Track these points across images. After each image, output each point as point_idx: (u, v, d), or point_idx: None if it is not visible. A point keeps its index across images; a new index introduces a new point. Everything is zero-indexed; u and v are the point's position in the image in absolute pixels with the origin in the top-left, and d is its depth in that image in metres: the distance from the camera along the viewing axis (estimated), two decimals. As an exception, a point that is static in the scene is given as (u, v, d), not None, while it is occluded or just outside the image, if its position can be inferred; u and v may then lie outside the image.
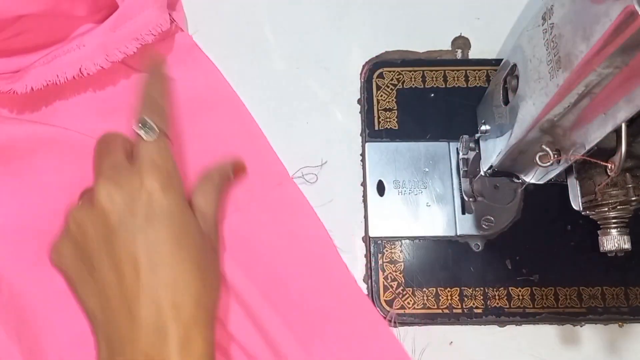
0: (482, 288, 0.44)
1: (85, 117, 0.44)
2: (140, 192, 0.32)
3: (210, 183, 0.39)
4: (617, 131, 0.29)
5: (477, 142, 0.42)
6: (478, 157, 0.41)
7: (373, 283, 0.44)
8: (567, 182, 0.36)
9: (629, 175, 0.33)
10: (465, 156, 0.43)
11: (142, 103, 0.37)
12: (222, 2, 0.51)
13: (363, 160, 0.47)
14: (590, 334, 0.44)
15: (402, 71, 0.49)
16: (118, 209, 0.32)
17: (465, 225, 0.45)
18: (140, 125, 0.35)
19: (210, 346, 0.31)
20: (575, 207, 0.36)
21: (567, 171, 0.36)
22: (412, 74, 0.49)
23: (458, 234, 0.45)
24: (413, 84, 0.48)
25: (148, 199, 0.32)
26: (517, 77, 0.34)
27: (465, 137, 0.43)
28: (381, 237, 0.45)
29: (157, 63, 0.42)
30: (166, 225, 0.32)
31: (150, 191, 0.32)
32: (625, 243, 0.35)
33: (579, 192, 0.35)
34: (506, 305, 0.43)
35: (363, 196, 0.46)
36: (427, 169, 0.46)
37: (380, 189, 0.46)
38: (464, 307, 0.43)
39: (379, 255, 0.45)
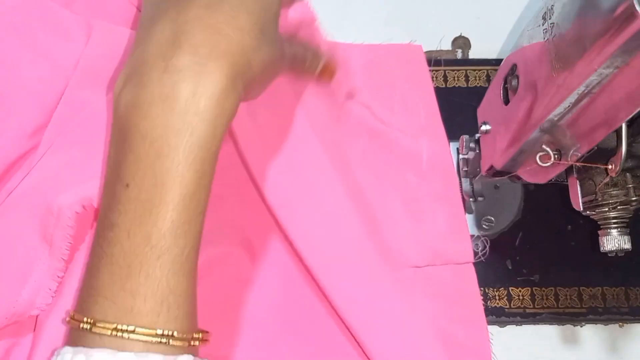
0: (482, 288, 0.44)
1: None
2: None
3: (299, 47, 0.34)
4: (617, 131, 0.29)
5: (477, 142, 0.42)
6: (478, 157, 0.41)
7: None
8: (567, 182, 0.36)
9: (629, 176, 0.33)
10: (466, 156, 0.43)
11: None
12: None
13: (363, 160, 0.47)
14: (590, 334, 0.44)
15: (402, 71, 0.48)
16: None
17: (465, 225, 0.45)
18: None
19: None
20: (576, 207, 0.36)
21: (568, 171, 0.36)
22: (413, 74, 0.48)
23: (458, 234, 0.45)
24: (413, 84, 0.48)
25: None
26: (517, 77, 0.34)
27: (466, 137, 0.43)
28: (381, 237, 0.45)
29: None
30: None
31: None
32: (625, 243, 0.34)
33: (579, 192, 0.35)
34: (506, 305, 0.43)
35: (363, 196, 0.46)
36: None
37: (381, 189, 0.46)
38: (464, 307, 0.43)
39: (379, 255, 0.44)
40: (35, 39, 0.42)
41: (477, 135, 0.42)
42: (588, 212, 0.35)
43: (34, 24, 0.42)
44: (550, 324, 0.44)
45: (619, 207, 0.34)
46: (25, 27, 0.42)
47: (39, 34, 0.42)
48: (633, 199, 0.33)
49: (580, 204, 0.35)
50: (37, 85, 0.41)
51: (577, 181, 0.35)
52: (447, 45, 0.50)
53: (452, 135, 0.46)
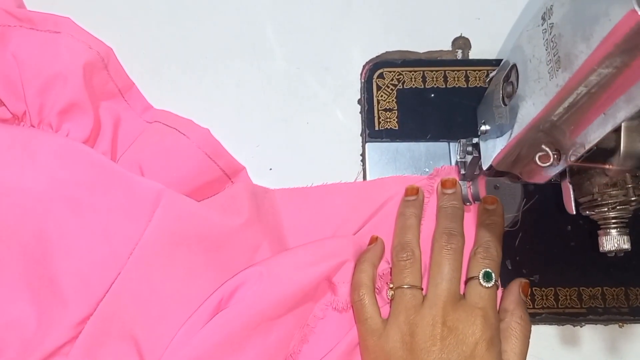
0: (482, 288, 0.44)
1: None
2: (467, 337, 0.36)
3: (513, 330, 0.39)
4: (616, 131, 0.29)
5: (474, 145, 0.42)
6: (475, 161, 0.41)
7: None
8: (560, 184, 0.36)
9: (628, 176, 0.33)
10: (463, 160, 0.43)
11: (488, 253, 0.40)
12: (223, 1, 0.51)
13: (363, 161, 0.47)
14: (590, 334, 0.44)
15: (402, 71, 0.49)
16: (441, 341, 0.36)
17: (465, 226, 0.45)
18: (485, 275, 0.38)
19: None
20: (569, 210, 0.36)
21: (562, 175, 0.36)
22: (413, 74, 0.49)
23: (458, 234, 0.45)
24: (413, 84, 0.48)
25: (473, 348, 0.36)
26: (517, 77, 0.34)
27: (463, 140, 0.43)
28: (381, 237, 0.45)
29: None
30: None
31: (478, 342, 0.36)
32: (625, 243, 0.34)
33: (572, 195, 0.35)
34: (506, 305, 0.43)
35: (363, 196, 0.46)
36: (427, 169, 0.46)
37: (381, 189, 0.46)
38: (464, 307, 0.43)
39: (379, 256, 0.44)
40: (96, 219, 0.39)
41: (474, 140, 0.42)
42: (587, 212, 0.35)
43: (97, 200, 0.39)
44: (549, 324, 0.44)
45: (618, 207, 0.34)
46: (86, 204, 0.39)
47: (101, 213, 0.39)
48: (632, 199, 0.33)
49: (573, 208, 0.35)
50: (89, 272, 0.38)
51: (570, 185, 0.35)
52: (447, 46, 0.50)
53: (453, 136, 0.46)
